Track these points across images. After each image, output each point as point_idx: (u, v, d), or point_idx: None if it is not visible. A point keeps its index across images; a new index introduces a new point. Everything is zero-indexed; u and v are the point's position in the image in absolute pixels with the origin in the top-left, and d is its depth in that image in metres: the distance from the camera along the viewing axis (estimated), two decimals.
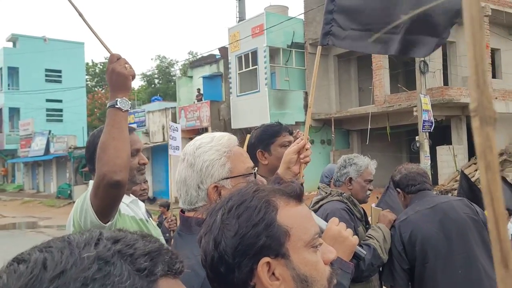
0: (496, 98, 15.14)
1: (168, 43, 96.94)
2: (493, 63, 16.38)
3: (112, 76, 1.64)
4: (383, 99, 15.80)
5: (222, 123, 18.61)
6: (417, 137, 12.99)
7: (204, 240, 0.85)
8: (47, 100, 34.27)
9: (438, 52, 14.88)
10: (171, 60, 46.17)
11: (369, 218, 2.66)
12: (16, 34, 34.79)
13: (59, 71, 35.50)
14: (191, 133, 20.64)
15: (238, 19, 21.94)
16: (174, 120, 20.64)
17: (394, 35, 1.80)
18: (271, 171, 1.80)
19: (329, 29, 1.78)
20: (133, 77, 1.67)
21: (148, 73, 44.51)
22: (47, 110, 34.85)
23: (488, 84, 0.42)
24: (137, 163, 1.91)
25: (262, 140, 2.12)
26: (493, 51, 16.39)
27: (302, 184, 2.04)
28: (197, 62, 23.20)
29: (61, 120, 35.29)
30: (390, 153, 16.71)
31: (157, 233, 1.67)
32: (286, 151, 1.74)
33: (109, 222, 1.60)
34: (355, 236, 1.34)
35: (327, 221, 2.27)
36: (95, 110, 40.36)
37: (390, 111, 15.31)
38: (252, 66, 17.35)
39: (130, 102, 1.64)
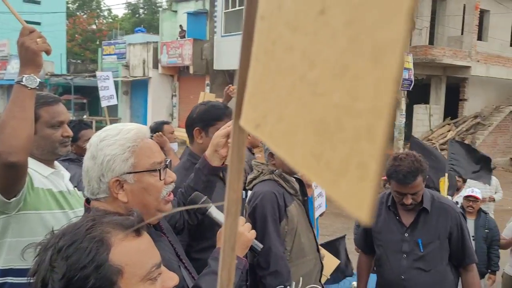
0: (478, 61, 15.20)
1: None
2: (480, 25, 16.25)
3: (21, 51, 1.56)
4: None
5: (204, 62, 18.29)
6: None
7: (33, 280, 0.83)
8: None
9: (427, 9, 14.66)
10: None
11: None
12: None
13: None
14: (172, 71, 20.29)
15: None
16: (155, 55, 20.15)
17: None
18: (204, 151, 1.78)
19: None
20: (47, 52, 1.57)
21: (133, 2, 42.66)
22: None
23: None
24: (60, 135, 1.83)
25: (203, 120, 2.10)
26: (482, 12, 16.20)
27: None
28: None
29: None
30: None
31: (81, 203, 1.59)
32: (215, 133, 1.72)
33: (14, 198, 1.56)
34: (252, 231, 1.39)
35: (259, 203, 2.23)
36: (76, 36, 38.87)
37: None
38: (239, 6, 16.76)
39: (39, 79, 1.55)
